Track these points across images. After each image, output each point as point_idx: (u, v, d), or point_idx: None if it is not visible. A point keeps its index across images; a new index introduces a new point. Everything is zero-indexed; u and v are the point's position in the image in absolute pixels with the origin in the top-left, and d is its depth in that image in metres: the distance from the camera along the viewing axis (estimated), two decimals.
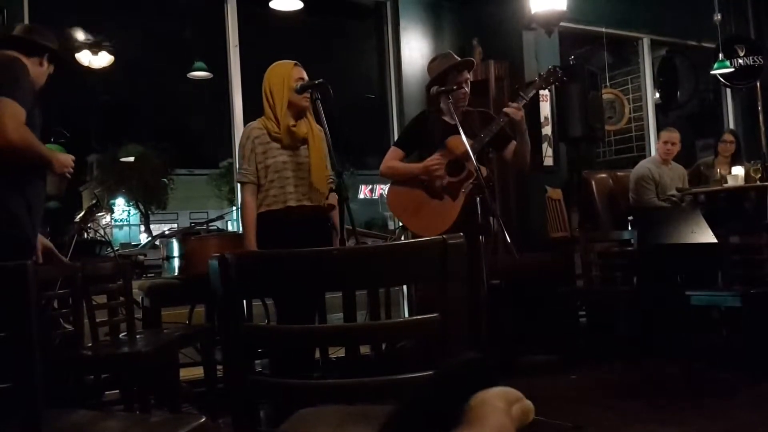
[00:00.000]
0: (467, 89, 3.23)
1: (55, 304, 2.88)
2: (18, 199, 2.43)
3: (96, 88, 23.25)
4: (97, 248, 4.14)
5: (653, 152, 5.82)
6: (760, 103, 6.27)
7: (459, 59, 3.26)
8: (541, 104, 4.85)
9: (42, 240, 2.78)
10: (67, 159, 2.63)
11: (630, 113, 6.79)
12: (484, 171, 2.96)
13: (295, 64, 2.97)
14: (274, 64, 3.01)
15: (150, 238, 21.85)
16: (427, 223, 3.10)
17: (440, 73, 3.23)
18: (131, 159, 28.84)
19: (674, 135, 5.20)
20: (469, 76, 3.26)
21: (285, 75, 2.92)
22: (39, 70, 2.67)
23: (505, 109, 3.05)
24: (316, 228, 2.96)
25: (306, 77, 2.95)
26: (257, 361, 3.60)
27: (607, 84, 6.83)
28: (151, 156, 29.63)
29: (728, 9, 6.01)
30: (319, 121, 2.93)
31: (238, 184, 3.05)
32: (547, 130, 4.88)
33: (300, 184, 2.93)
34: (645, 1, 5.86)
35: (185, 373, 3.75)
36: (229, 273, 1.20)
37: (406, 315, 4.64)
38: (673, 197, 5.06)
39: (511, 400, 0.54)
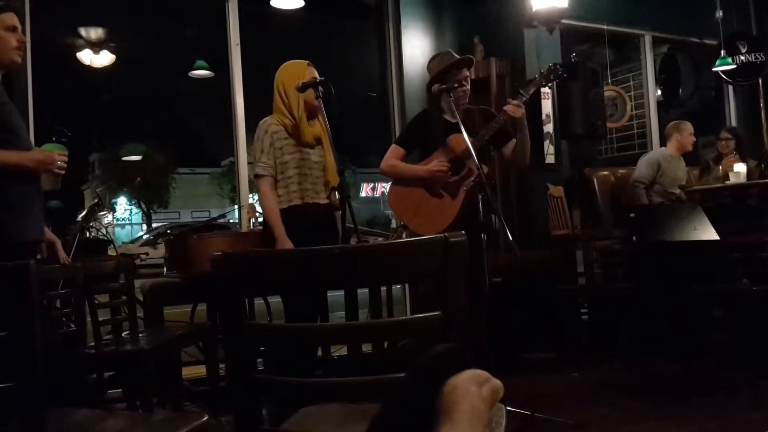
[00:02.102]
0: (467, 87, 3.23)
1: (58, 303, 2.89)
2: None
3: (97, 87, 23.28)
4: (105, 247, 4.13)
5: (655, 148, 5.82)
6: (762, 100, 6.26)
7: (458, 57, 3.25)
8: (543, 102, 4.85)
9: (47, 234, 2.76)
10: (48, 157, 2.56)
11: (632, 110, 6.78)
12: (485, 169, 2.96)
13: (308, 64, 3.00)
14: (287, 63, 3.03)
15: (147, 235, 21.84)
16: (426, 222, 3.10)
17: (439, 72, 3.22)
18: (136, 158, 28.86)
19: (691, 126, 5.23)
20: (468, 74, 3.25)
21: (299, 74, 2.94)
22: None
23: (504, 108, 3.05)
24: (329, 226, 3.01)
25: (318, 78, 2.95)
26: (259, 360, 3.61)
27: (609, 81, 6.82)
28: (153, 155, 29.65)
29: (730, 6, 5.99)
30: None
31: (255, 178, 3.03)
32: (548, 127, 4.88)
33: (315, 182, 2.98)
34: None
35: (188, 372, 3.76)
36: (231, 271, 1.21)
37: (408, 313, 4.64)
38: (673, 195, 5.06)
39: (480, 382, 0.57)
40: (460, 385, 0.56)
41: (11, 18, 2.58)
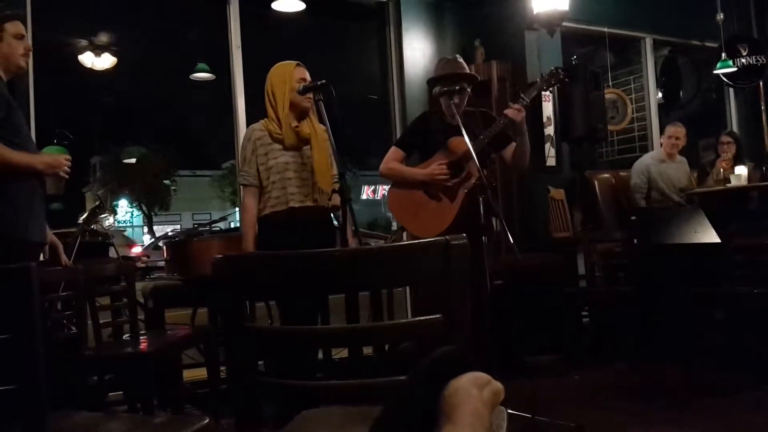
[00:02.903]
0: (465, 100, 3.20)
1: (59, 306, 2.89)
2: (2, 200, 2.43)
3: (99, 90, 23.31)
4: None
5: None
6: (762, 103, 6.26)
7: (464, 66, 3.24)
8: (544, 104, 4.85)
9: (49, 237, 2.79)
10: (55, 160, 2.61)
11: (632, 113, 6.78)
12: (484, 171, 2.95)
13: (297, 65, 2.97)
14: (277, 64, 3.01)
15: (153, 239, 21.87)
16: (425, 224, 3.09)
17: (441, 76, 3.23)
18: (134, 160, 28.90)
19: (679, 130, 5.18)
20: (468, 90, 3.22)
21: (287, 75, 2.92)
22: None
23: (505, 111, 3.04)
24: (319, 229, 2.95)
25: (308, 77, 2.94)
26: (260, 362, 3.61)
27: (610, 84, 6.82)
28: (154, 157, 29.67)
29: (730, 8, 6.00)
30: (321, 122, 2.92)
31: (241, 187, 3.04)
32: (549, 130, 4.88)
33: (303, 185, 2.91)
34: (647, 0, 5.86)
35: (188, 374, 3.76)
36: (232, 274, 1.20)
37: (409, 316, 4.64)
38: (670, 201, 5.05)
39: (481, 385, 0.58)
40: (461, 388, 0.56)
41: (18, 26, 2.64)
